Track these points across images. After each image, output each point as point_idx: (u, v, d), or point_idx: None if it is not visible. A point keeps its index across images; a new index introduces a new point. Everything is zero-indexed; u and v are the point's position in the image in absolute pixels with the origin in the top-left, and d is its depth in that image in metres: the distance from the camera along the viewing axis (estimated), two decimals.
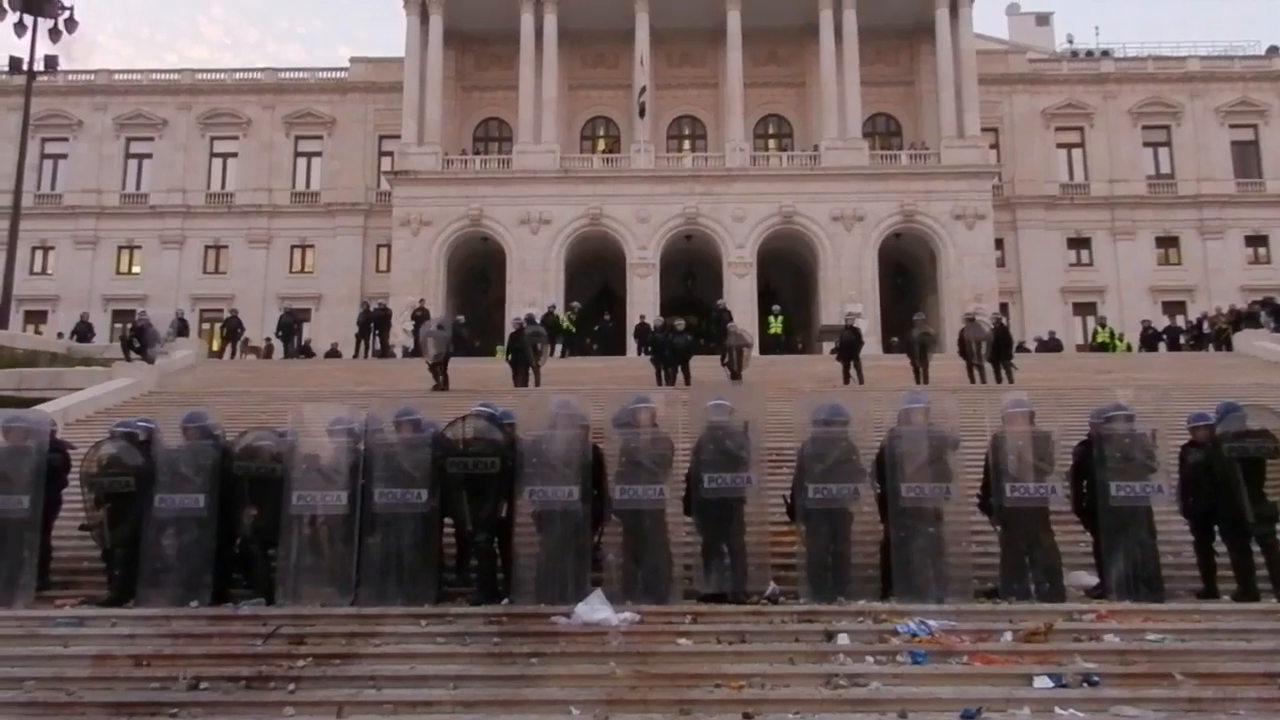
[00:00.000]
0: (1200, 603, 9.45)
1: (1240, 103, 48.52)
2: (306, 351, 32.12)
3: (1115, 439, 9.73)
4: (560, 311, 34.24)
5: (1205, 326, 32.92)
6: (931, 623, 8.59)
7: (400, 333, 34.32)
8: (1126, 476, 9.57)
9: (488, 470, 9.65)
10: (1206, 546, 9.98)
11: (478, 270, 44.18)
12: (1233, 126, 48.53)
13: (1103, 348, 33.51)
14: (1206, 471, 9.74)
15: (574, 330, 32.13)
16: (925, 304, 43.74)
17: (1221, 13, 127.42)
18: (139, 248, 47.88)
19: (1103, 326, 35.28)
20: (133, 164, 49.42)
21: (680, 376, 22.20)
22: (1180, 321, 39.89)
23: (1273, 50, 52.45)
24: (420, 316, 31.12)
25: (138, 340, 26.54)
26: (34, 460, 9.99)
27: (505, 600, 9.49)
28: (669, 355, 22.54)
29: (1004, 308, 41.22)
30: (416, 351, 27.01)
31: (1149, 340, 34.51)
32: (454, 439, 9.92)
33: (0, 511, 9.74)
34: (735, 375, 21.74)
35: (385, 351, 31.68)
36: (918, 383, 22.13)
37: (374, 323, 30.45)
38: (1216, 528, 9.89)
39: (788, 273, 44.81)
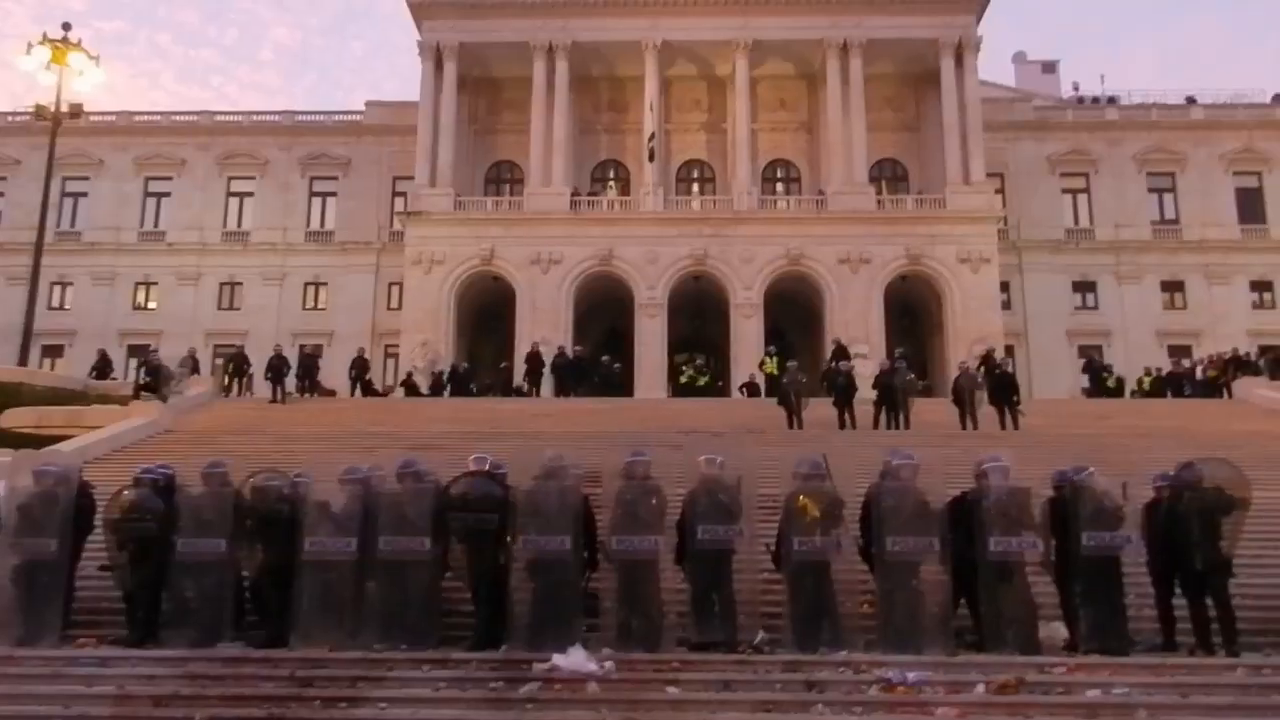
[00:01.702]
0: (1165, 656, 9.86)
1: (1245, 150, 49.10)
2: (318, 389, 32.61)
3: (1084, 492, 10.18)
4: (569, 351, 34.88)
5: (1199, 373, 33.18)
6: (910, 674, 9.00)
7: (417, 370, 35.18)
8: (1097, 526, 10.02)
9: (488, 526, 10.16)
10: (1167, 600, 10.41)
11: (489, 309, 44.87)
12: (1237, 173, 49.09)
13: (1111, 393, 33.69)
14: (1167, 526, 10.19)
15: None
16: (932, 345, 44.33)
17: (1227, 62, 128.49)
18: (155, 284, 48.83)
19: (1109, 373, 35.44)
20: (151, 202, 50.56)
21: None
22: (1185, 364, 40.01)
23: (1277, 99, 53.15)
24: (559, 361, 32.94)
25: (150, 378, 27.17)
26: (63, 506, 10.56)
27: (504, 647, 9.94)
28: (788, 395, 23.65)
29: (1010, 350, 41.71)
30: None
31: (1157, 386, 34.64)
32: (456, 495, 10.43)
33: (31, 554, 10.31)
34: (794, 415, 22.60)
35: (314, 390, 31.97)
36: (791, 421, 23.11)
37: (280, 369, 29.79)
38: (1177, 581, 10.33)
39: (795, 314, 45.35)
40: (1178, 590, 10.59)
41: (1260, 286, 46.98)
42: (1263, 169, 49.01)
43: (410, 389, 35.30)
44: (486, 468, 10.84)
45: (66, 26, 30.95)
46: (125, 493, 10.94)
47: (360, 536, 10.27)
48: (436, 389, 33.61)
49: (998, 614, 10.11)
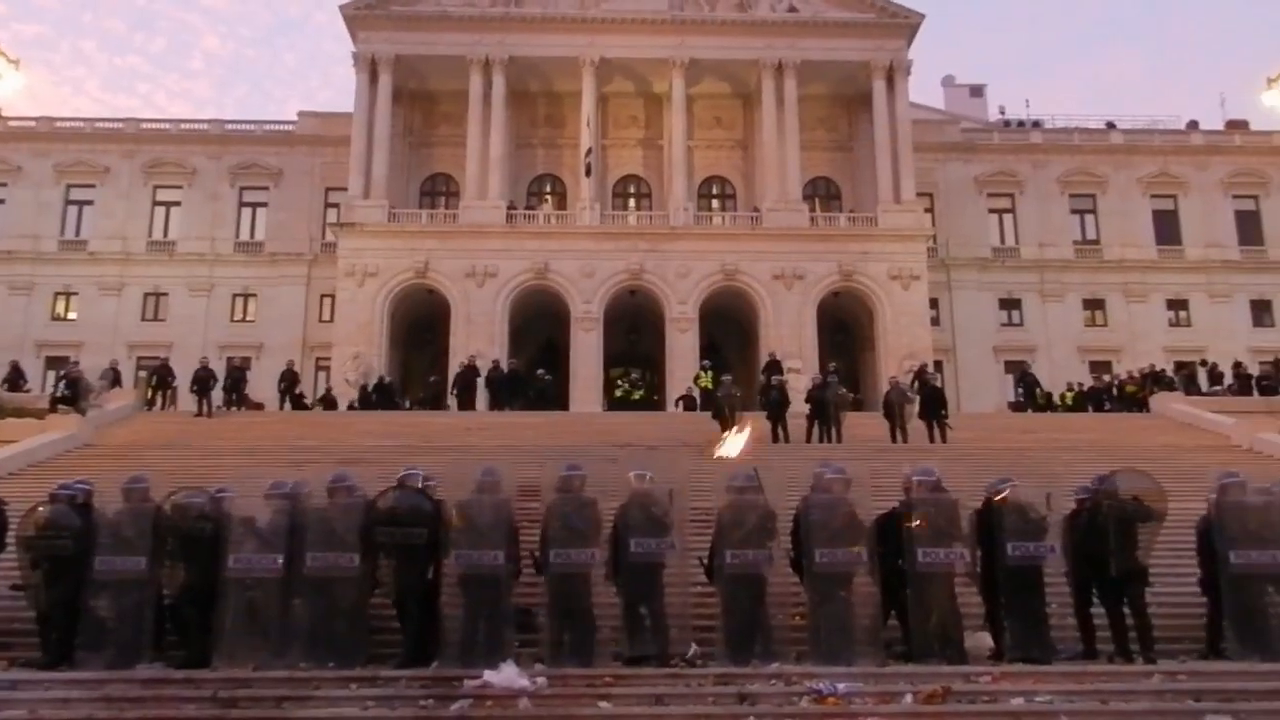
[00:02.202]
0: (1086, 664, 10.12)
1: (1161, 174, 50.85)
2: (246, 403, 31.92)
3: (1009, 503, 10.43)
4: (504, 365, 34.66)
5: (1114, 389, 34.22)
6: (840, 685, 9.09)
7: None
8: (1021, 537, 10.27)
9: (416, 541, 10.02)
10: (1087, 609, 10.70)
11: (423, 322, 44.42)
12: (1154, 196, 50.75)
13: (1040, 407, 34.52)
14: (1086, 536, 10.49)
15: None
16: (863, 361, 45.02)
17: (1146, 90, 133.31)
18: (75, 294, 47.37)
19: (1039, 387, 36.22)
20: (72, 210, 49.03)
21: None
22: (1106, 379, 41.12)
23: (1192, 125, 55.20)
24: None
25: (69, 391, 26.31)
26: None
27: (435, 664, 9.81)
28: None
29: (939, 365, 42.50)
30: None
31: (1079, 401, 35.60)
32: (384, 509, 10.28)
33: None
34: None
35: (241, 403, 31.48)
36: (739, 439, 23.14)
37: (206, 381, 29.22)
38: (1094, 591, 10.63)
39: (730, 329, 45.71)
40: (1097, 600, 10.92)
41: (1176, 305, 48.59)
42: (1178, 193, 50.77)
43: (329, 404, 34.75)
44: (419, 484, 10.70)
45: None
46: (40, 509, 10.56)
47: (287, 553, 10.06)
48: (364, 403, 33.10)
49: (926, 625, 10.28)
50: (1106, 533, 10.32)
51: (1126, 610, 10.55)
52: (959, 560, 10.61)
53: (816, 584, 10.27)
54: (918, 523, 10.43)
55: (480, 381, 32.83)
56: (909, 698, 8.92)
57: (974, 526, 10.70)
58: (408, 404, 35.46)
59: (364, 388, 34.72)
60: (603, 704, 8.80)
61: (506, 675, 8.99)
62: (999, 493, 10.80)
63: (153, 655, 9.94)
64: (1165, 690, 9.26)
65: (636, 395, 35.41)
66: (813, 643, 10.05)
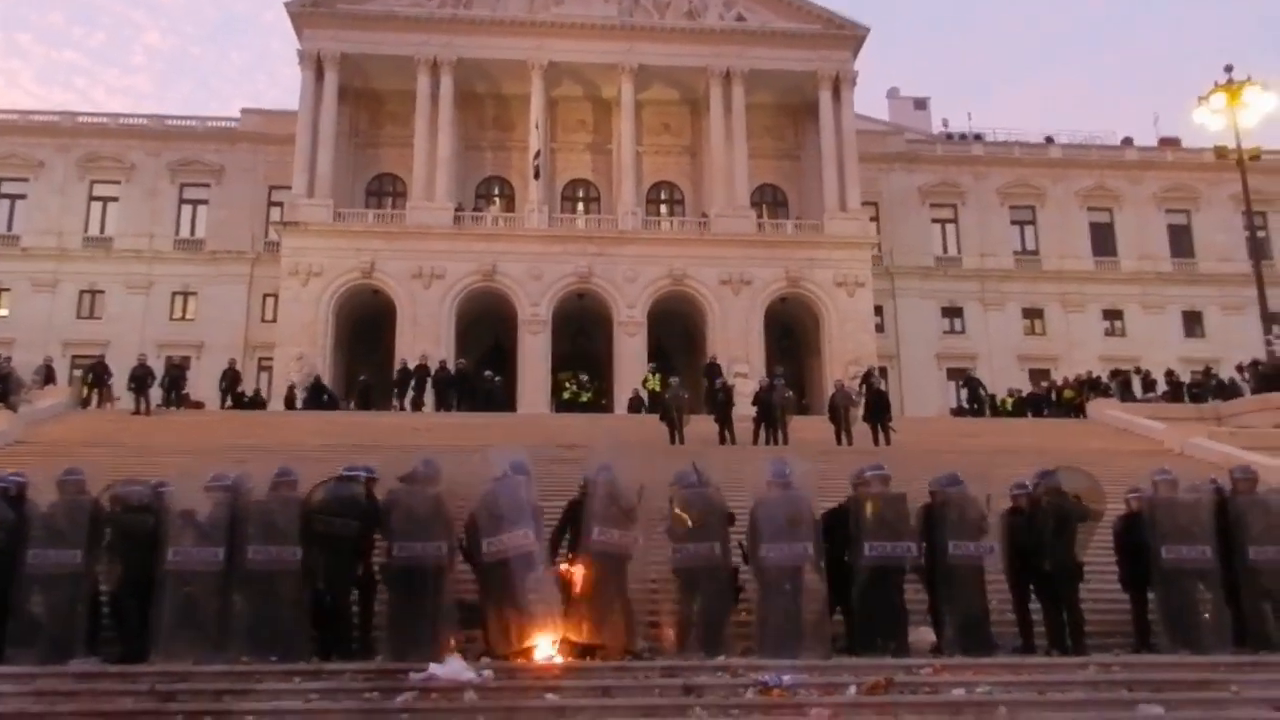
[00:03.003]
0: (1024, 658, 10.33)
1: (1097, 187, 52.16)
2: (185, 401, 31.25)
3: (951, 502, 10.62)
4: (450, 365, 34.38)
5: (1052, 395, 35.01)
6: (785, 677, 9.18)
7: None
8: (962, 536, 10.46)
9: (344, 532, 9.93)
10: (1024, 605, 10.94)
11: (368, 323, 43.92)
12: (1091, 209, 52.05)
13: (982, 413, 35.14)
14: (1024, 533, 10.72)
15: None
16: (809, 365, 45.46)
17: (1084, 106, 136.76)
18: (7, 290, 45.98)
19: (984, 390, 36.91)
20: (3, 204, 47.68)
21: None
22: (1044, 385, 42.05)
23: (1126, 141, 56.71)
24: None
25: (1, 381, 25.55)
26: None
27: (379, 657, 9.71)
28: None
29: (883, 371, 42.98)
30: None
31: (1019, 407, 36.36)
32: (315, 500, 10.17)
33: None
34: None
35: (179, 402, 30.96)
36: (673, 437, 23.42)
37: (144, 379, 28.52)
38: (1031, 587, 10.87)
39: (678, 333, 45.88)
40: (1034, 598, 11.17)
41: (1111, 315, 49.84)
42: (1113, 205, 52.12)
43: (256, 404, 34.38)
44: (359, 478, 10.61)
45: None
46: None
47: (227, 546, 9.89)
48: (308, 404, 32.61)
49: (870, 619, 10.42)
50: (1043, 528, 10.55)
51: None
52: (907, 554, 10.72)
53: (764, 578, 10.35)
54: (868, 517, 10.56)
55: (427, 382, 32.49)
56: (852, 689, 9.04)
57: (921, 521, 10.87)
58: (350, 405, 34.95)
59: (291, 388, 34.31)
60: (549, 696, 8.80)
61: (452, 668, 8.95)
62: (942, 493, 10.93)
63: (87, 650, 9.70)
64: (1099, 681, 9.51)
65: (585, 397, 35.33)
66: (760, 636, 10.14)
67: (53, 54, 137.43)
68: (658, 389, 29.63)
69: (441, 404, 31.75)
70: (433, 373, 32.31)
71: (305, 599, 9.99)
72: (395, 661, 9.39)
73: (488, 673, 9.07)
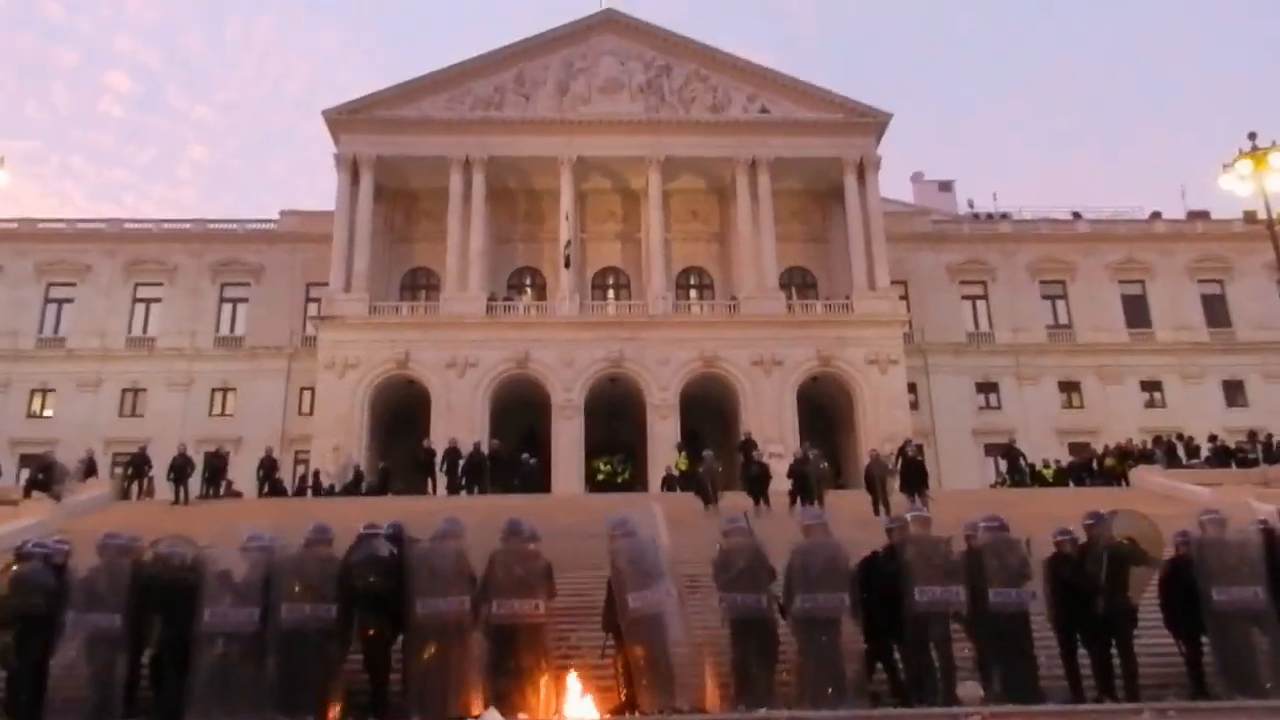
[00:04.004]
0: (1076, 705, 9.99)
1: (1128, 260, 52.07)
2: (227, 491, 31.55)
3: (990, 548, 10.41)
4: (484, 448, 34.46)
5: (1094, 464, 34.40)
6: None
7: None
8: (1004, 583, 10.22)
9: (384, 589, 9.91)
10: (1072, 655, 10.60)
11: (402, 413, 44.29)
12: (1122, 281, 51.92)
13: (1020, 483, 34.63)
14: (1073, 577, 10.45)
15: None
16: (843, 443, 45.07)
17: (1106, 185, 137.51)
18: (52, 390, 47.09)
19: (1024, 458, 36.48)
20: (52, 308, 49.15)
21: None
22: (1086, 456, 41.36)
23: (1155, 215, 56.80)
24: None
25: (43, 476, 25.95)
26: None
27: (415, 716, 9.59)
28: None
29: (919, 449, 42.51)
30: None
31: (1060, 476, 35.82)
32: (355, 559, 10.19)
33: None
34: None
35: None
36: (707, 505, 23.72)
37: (184, 469, 28.90)
38: (1079, 636, 10.54)
39: (710, 415, 45.77)
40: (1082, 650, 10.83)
41: (1150, 386, 49.18)
42: (1145, 278, 51.94)
43: (317, 490, 34.49)
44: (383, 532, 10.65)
45: None
46: (13, 568, 10.38)
47: (263, 606, 9.90)
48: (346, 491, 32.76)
49: (919, 668, 10.16)
50: (1098, 572, 10.28)
51: (1113, 653, 10.47)
52: (955, 600, 10.49)
53: (800, 629, 10.17)
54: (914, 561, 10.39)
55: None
56: None
57: (965, 567, 10.67)
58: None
59: (346, 482, 34.48)
60: None
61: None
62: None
63: (124, 711, 9.66)
64: None
65: (622, 477, 35.20)
66: (800, 689, 9.90)
67: (104, 173, 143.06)
68: (685, 468, 29.59)
69: (473, 486, 31.71)
70: (465, 455, 32.32)
71: (340, 657, 9.93)
72: (428, 717, 9.27)
73: None
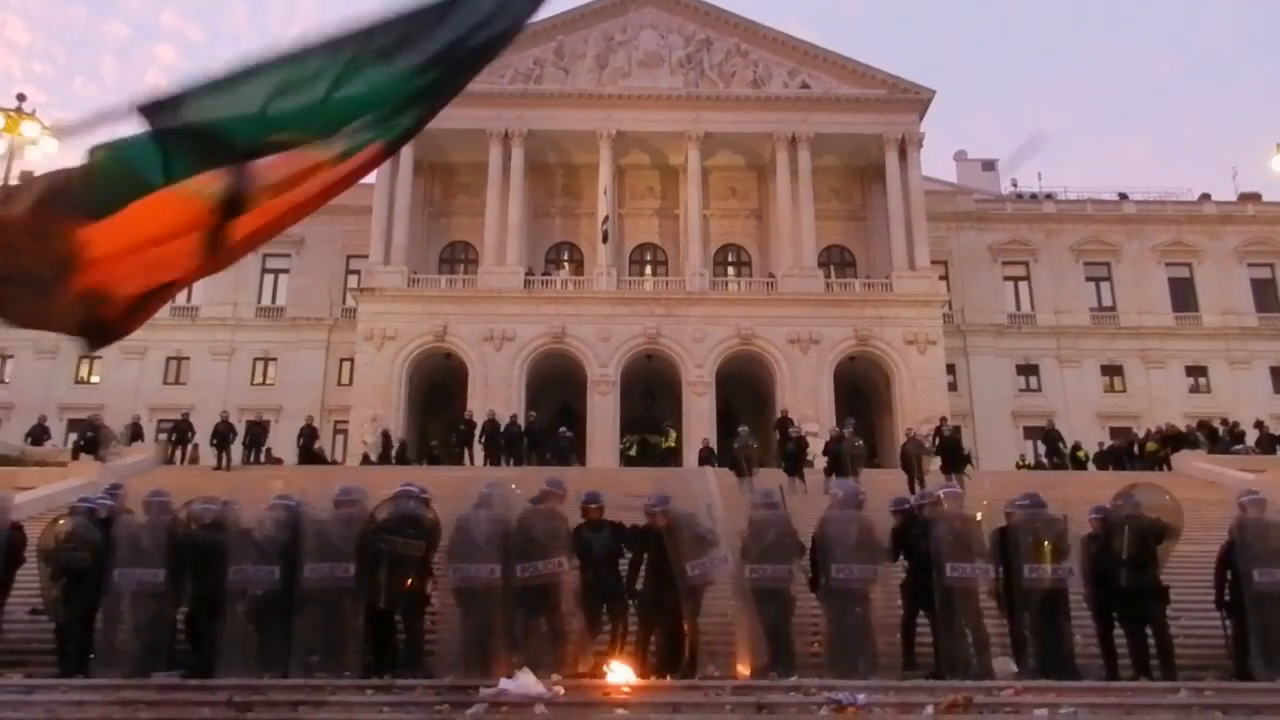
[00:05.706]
0: (1111, 682, 9.92)
1: (1175, 243, 51.10)
2: (268, 457, 32.17)
3: (1026, 525, 10.35)
4: (521, 421, 34.76)
5: (1136, 448, 33.94)
6: (860, 696, 8.97)
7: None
8: (1037, 559, 10.16)
9: (414, 553, 10.03)
10: (1108, 634, 10.52)
11: (440, 386, 44.67)
12: (1168, 264, 50.99)
13: (1060, 466, 34.32)
14: (1101, 554, 10.37)
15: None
16: (880, 424, 44.84)
17: (1158, 165, 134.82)
18: (99, 358, 47.89)
19: (1064, 443, 36.17)
20: None
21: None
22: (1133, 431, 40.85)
23: (1204, 197, 55.59)
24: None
25: (91, 438, 26.53)
26: None
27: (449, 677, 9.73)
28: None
29: (957, 430, 42.22)
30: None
31: (1101, 460, 35.48)
32: (381, 518, 10.31)
33: None
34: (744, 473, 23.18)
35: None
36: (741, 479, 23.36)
37: (226, 435, 29.73)
38: (1115, 615, 10.46)
39: (747, 393, 45.71)
40: (1118, 627, 10.75)
41: (1195, 372, 48.37)
42: (1193, 260, 50.99)
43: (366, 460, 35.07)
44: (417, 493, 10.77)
45: (21, 97, 30.93)
46: (61, 522, 10.66)
47: (285, 564, 10.06)
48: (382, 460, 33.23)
49: (950, 642, 10.15)
50: (1120, 546, 10.21)
51: (1148, 631, 10.38)
52: (982, 575, 10.49)
53: (833, 600, 10.19)
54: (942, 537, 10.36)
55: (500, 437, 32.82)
56: (929, 708, 8.77)
57: (996, 544, 10.61)
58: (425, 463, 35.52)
59: (390, 439, 35.11)
60: (619, 711, 8.71)
61: (523, 683, 8.92)
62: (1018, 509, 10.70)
63: (168, 665, 9.91)
64: (1192, 704, 9.07)
65: (668, 444, 35.33)
66: (831, 658, 9.93)
67: None
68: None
69: (510, 458, 31.96)
70: (502, 427, 32.58)
71: (361, 618, 10.08)
72: (459, 677, 9.41)
73: (558, 688, 9.02)
